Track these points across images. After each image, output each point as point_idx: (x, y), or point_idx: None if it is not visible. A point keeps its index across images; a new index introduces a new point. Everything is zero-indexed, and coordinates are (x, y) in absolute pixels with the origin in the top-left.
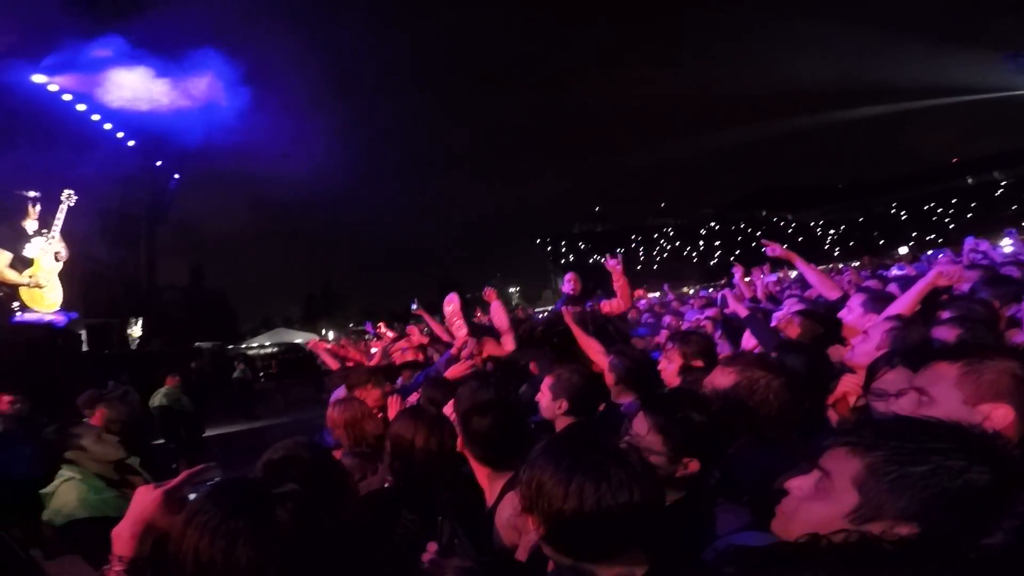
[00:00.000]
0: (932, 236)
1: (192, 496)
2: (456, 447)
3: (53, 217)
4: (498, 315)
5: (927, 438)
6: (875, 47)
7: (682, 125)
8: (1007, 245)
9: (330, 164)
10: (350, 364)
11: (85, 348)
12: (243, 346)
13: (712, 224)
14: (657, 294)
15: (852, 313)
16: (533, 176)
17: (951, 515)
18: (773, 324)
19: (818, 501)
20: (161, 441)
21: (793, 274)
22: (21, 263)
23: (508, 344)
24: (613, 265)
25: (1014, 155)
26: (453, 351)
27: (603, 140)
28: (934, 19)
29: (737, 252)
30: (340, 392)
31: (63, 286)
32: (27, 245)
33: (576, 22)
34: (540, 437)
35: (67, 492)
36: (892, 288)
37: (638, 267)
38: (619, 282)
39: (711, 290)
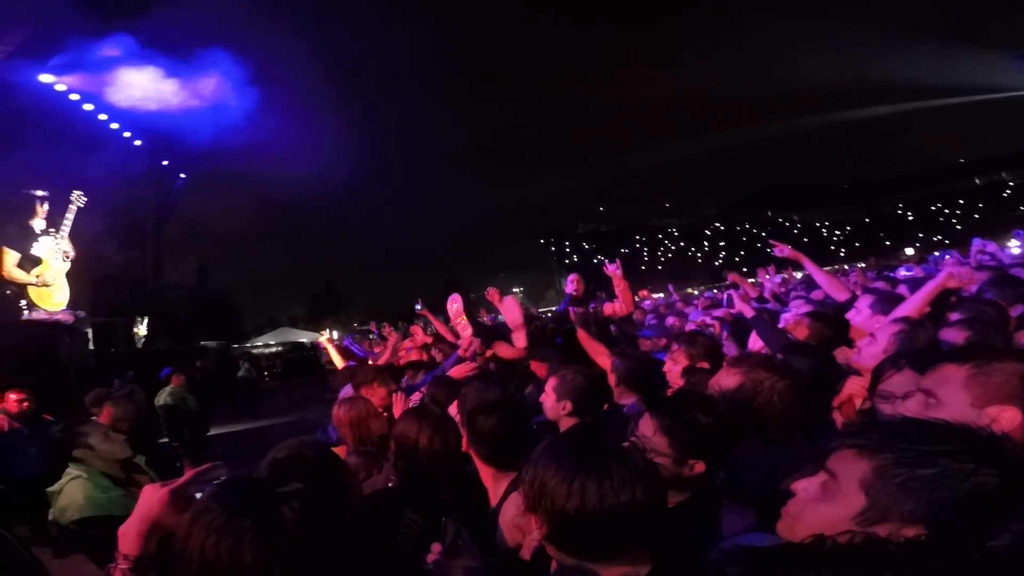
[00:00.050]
0: (939, 237)
1: (198, 495)
2: (460, 447)
3: (61, 216)
4: (512, 311)
5: (935, 440)
6: (881, 46)
7: (686, 125)
8: (1015, 246)
9: (335, 164)
10: (355, 363)
11: (91, 347)
12: (248, 345)
13: (716, 224)
14: (661, 295)
15: (860, 314)
16: (537, 176)
17: (959, 518)
18: (781, 326)
19: (824, 503)
20: (165, 440)
21: (798, 275)
22: (29, 262)
23: (520, 341)
24: (613, 271)
25: (1022, 155)
26: (460, 352)
27: (607, 140)
28: (941, 18)
29: (742, 253)
30: (347, 391)
31: (70, 285)
32: (35, 244)
33: (579, 21)
34: (543, 438)
35: (74, 491)
36: (901, 290)
37: (642, 267)
38: (620, 286)
39: (715, 291)
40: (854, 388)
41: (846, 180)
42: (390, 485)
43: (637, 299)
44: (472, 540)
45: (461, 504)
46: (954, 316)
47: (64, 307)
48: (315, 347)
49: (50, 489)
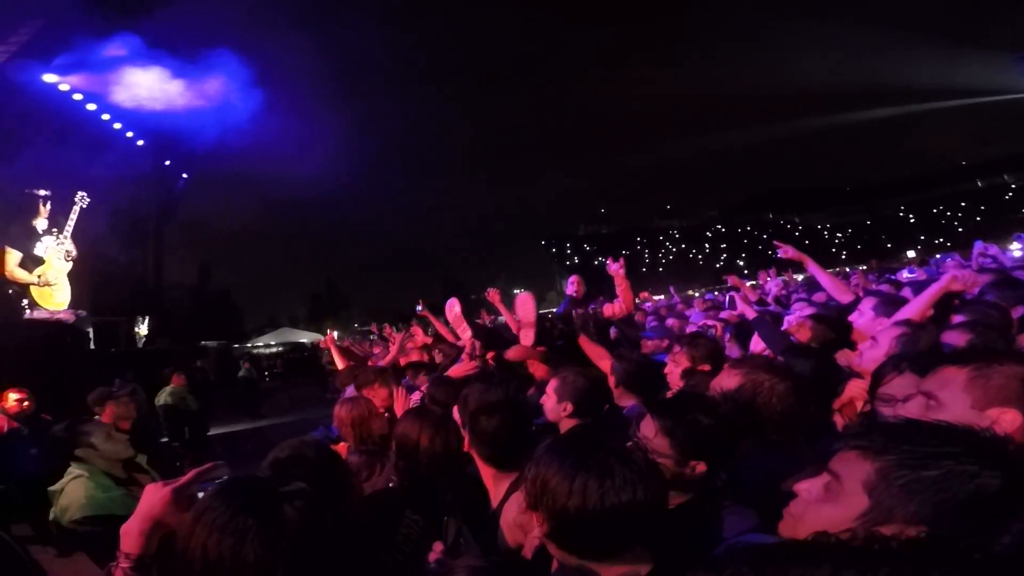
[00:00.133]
0: (940, 240)
1: (200, 494)
2: (461, 447)
3: (63, 216)
4: (526, 307)
5: (938, 442)
6: (883, 48)
7: (688, 126)
8: (1016, 249)
9: (336, 165)
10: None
11: (92, 346)
12: (248, 345)
13: (718, 226)
14: (662, 297)
15: (863, 317)
16: (538, 177)
17: (962, 519)
18: (784, 328)
19: (827, 504)
20: (165, 440)
21: (799, 277)
22: (31, 261)
23: (527, 339)
24: (615, 269)
25: None
26: (465, 356)
27: (608, 141)
28: (943, 20)
29: (743, 255)
30: (351, 391)
31: (71, 284)
32: (37, 244)
33: (582, 24)
34: (544, 439)
35: (75, 490)
36: (906, 293)
37: (643, 269)
38: (621, 285)
39: (716, 293)
40: (855, 390)
41: (848, 182)
42: (391, 485)
43: (638, 301)
44: (474, 540)
45: (462, 504)
46: (958, 319)
47: (66, 307)
48: (316, 347)
49: (51, 488)
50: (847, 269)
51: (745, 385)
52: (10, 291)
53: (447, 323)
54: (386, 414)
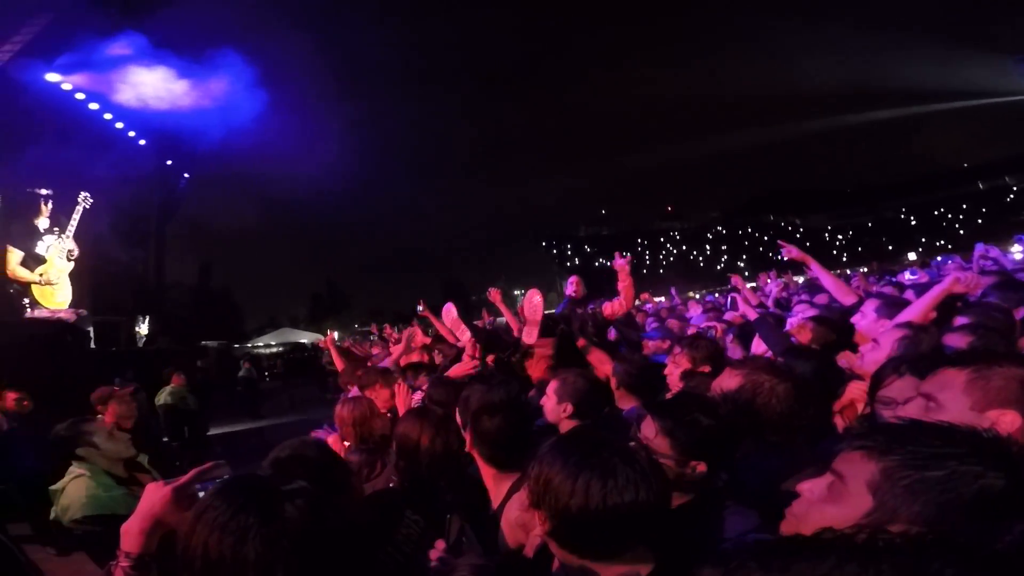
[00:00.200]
0: (941, 242)
1: (201, 493)
2: (461, 447)
3: (65, 215)
4: (533, 303)
5: (942, 443)
6: (885, 50)
7: (689, 128)
8: (1017, 251)
9: (337, 165)
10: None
11: (93, 345)
12: (249, 345)
13: (719, 228)
14: (663, 298)
15: (865, 319)
16: (539, 178)
17: (965, 520)
18: (785, 330)
19: (831, 504)
20: (165, 439)
21: (799, 279)
22: (33, 260)
23: (530, 337)
24: (621, 264)
25: None
26: (466, 356)
27: (610, 143)
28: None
29: (744, 257)
30: (354, 391)
31: (72, 284)
32: (39, 243)
33: (584, 24)
34: (544, 441)
35: (76, 489)
36: (908, 295)
37: (643, 271)
38: (624, 282)
39: (716, 295)
40: (855, 392)
41: (849, 184)
42: (391, 485)
43: (638, 302)
44: (476, 538)
45: (463, 504)
46: (960, 321)
47: (67, 306)
48: (316, 348)
49: (53, 488)
50: (848, 271)
51: (745, 386)
52: (11, 290)
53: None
54: (388, 414)
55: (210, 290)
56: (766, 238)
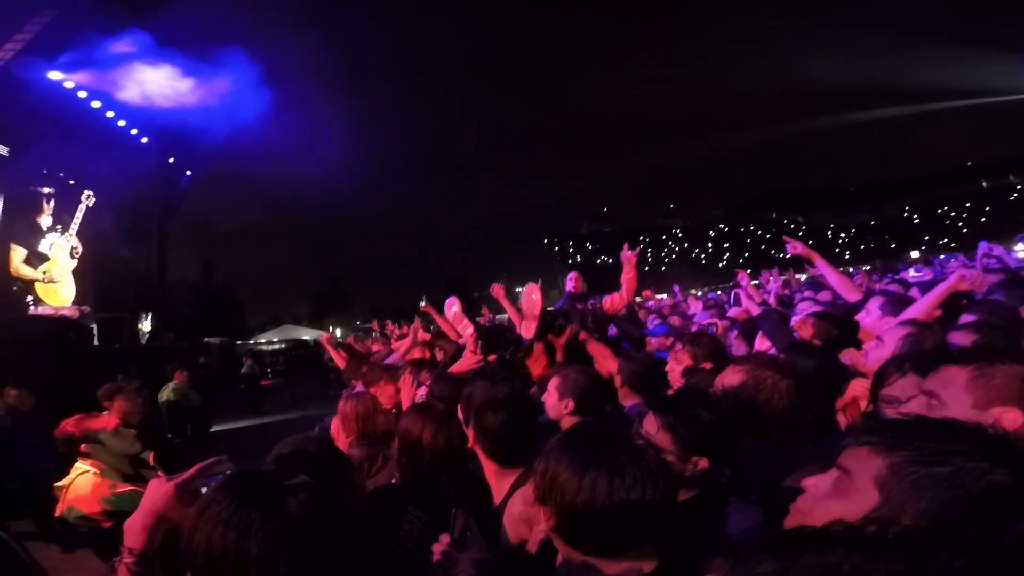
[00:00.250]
0: (944, 240)
1: (203, 489)
2: (463, 443)
3: (67, 213)
4: (530, 298)
5: (949, 439)
6: (888, 49)
7: (692, 126)
8: (1021, 250)
9: (340, 163)
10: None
11: (96, 342)
12: (251, 342)
13: (721, 226)
14: (665, 296)
15: (870, 316)
16: (542, 176)
17: (972, 516)
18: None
19: (836, 500)
20: (167, 436)
21: (802, 277)
22: (36, 258)
23: (529, 332)
24: (628, 256)
25: None
26: (468, 352)
27: (612, 141)
28: (949, 21)
29: (746, 254)
30: (359, 388)
31: (76, 281)
32: (42, 241)
33: (587, 23)
34: (546, 437)
35: (82, 486)
36: (914, 293)
37: (646, 268)
38: (628, 274)
39: (719, 292)
40: (858, 390)
41: (852, 182)
42: (393, 481)
43: (640, 299)
44: (480, 533)
45: (465, 500)
46: (966, 318)
47: (70, 303)
48: (318, 344)
49: (58, 484)
50: (851, 269)
51: (747, 382)
52: (14, 287)
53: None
54: (393, 410)
55: (213, 287)
56: (768, 236)
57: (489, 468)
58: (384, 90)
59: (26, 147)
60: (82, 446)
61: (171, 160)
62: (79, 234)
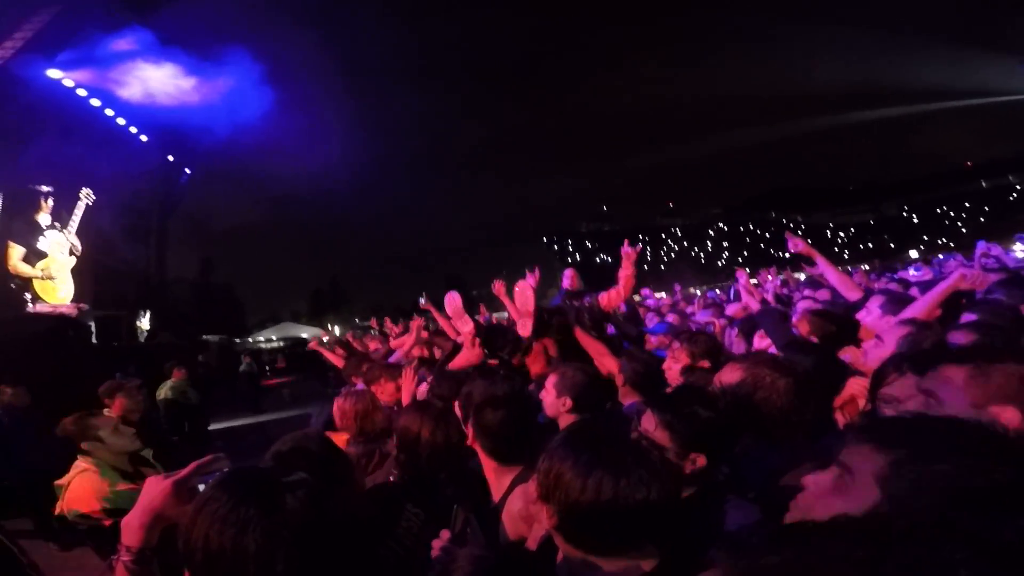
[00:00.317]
0: (943, 240)
1: (201, 486)
2: (462, 441)
3: (66, 211)
4: (524, 296)
5: (950, 436)
6: (889, 49)
7: (691, 125)
8: (1019, 250)
9: (339, 162)
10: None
11: (94, 340)
12: (250, 340)
13: (720, 225)
14: (663, 294)
15: (870, 315)
16: (541, 175)
17: (972, 513)
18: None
19: (837, 497)
20: (166, 434)
21: (800, 276)
22: (35, 256)
23: (525, 329)
24: (628, 252)
25: None
26: (466, 345)
27: (612, 140)
28: (949, 21)
29: (745, 253)
30: (359, 385)
31: (74, 279)
32: (40, 239)
33: (586, 23)
34: (547, 435)
35: (81, 484)
36: (914, 292)
37: (645, 267)
38: (627, 270)
39: (718, 291)
40: (856, 388)
41: (851, 182)
42: (391, 479)
43: (638, 297)
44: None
45: (464, 497)
46: (967, 318)
47: (68, 301)
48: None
49: (58, 482)
50: (849, 268)
51: (746, 380)
52: (12, 285)
53: (449, 317)
54: (395, 407)
55: (212, 285)
56: (768, 235)
57: (488, 466)
58: (384, 89)
59: (25, 145)
60: (82, 444)
61: (170, 158)
62: (78, 232)
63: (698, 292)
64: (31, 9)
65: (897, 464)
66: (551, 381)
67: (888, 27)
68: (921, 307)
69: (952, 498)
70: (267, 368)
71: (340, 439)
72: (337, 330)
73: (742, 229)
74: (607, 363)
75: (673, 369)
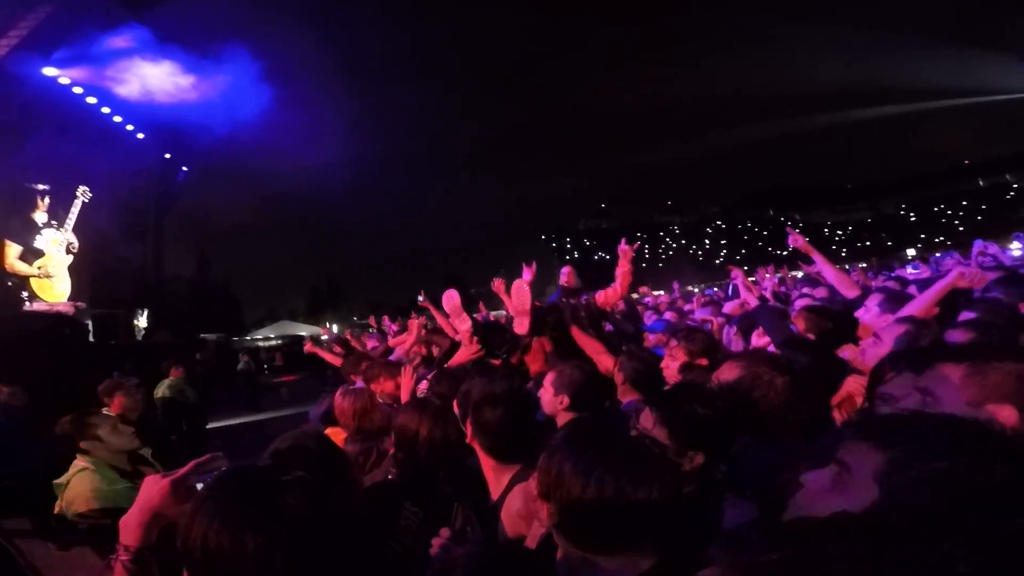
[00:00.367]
0: (940, 238)
1: (199, 485)
2: (460, 439)
3: (63, 209)
4: (520, 295)
5: (949, 434)
6: (887, 47)
7: (690, 123)
8: (1016, 248)
9: (337, 159)
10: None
11: (92, 339)
12: (248, 338)
13: (718, 223)
14: (662, 292)
15: (869, 312)
16: (539, 173)
17: (971, 511)
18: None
19: (836, 494)
20: (164, 433)
21: (798, 275)
22: (31, 254)
23: (522, 327)
24: (625, 249)
25: None
26: (464, 341)
27: (610, 137)
28: (948, 20)
29: (743, 251)
30: (360, 384)
31: (72, 277)
32: (37, 237)
33: (585, 22)
34: (546, 433)
35: (80, 483)
36: (912, 290)
37: (643, 264)
38: (623, 268)
39: (715, 289)
40: (853, 387)
41: (849, 180)
42: (390, 478)
43: (637, 295)
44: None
45: (462, 495)
46: (965, 315)
47: (65, 299)
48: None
49: (57, 481)
50: (847, 267)
51: (744, 378)
52: (9, 283)
53: (447, 315)
54: (395, 405)
55: (209, 283)
56: (766, 233)
57: (487, 464)
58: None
59: (21, 143)
60: (80, 443)
61: (167, 156)
62: (75, 230)
63: (696, 290)
64: (27, 6)
65: (895, 462)
66: (549, 379)
67: (887, 26)
68: (919, 305)
69: (950, 496)
70: (265, 367)
71: (338, 437)
72: (335, 328)
73: (740, 227)
74: (604, 361)
75: (671, 367)
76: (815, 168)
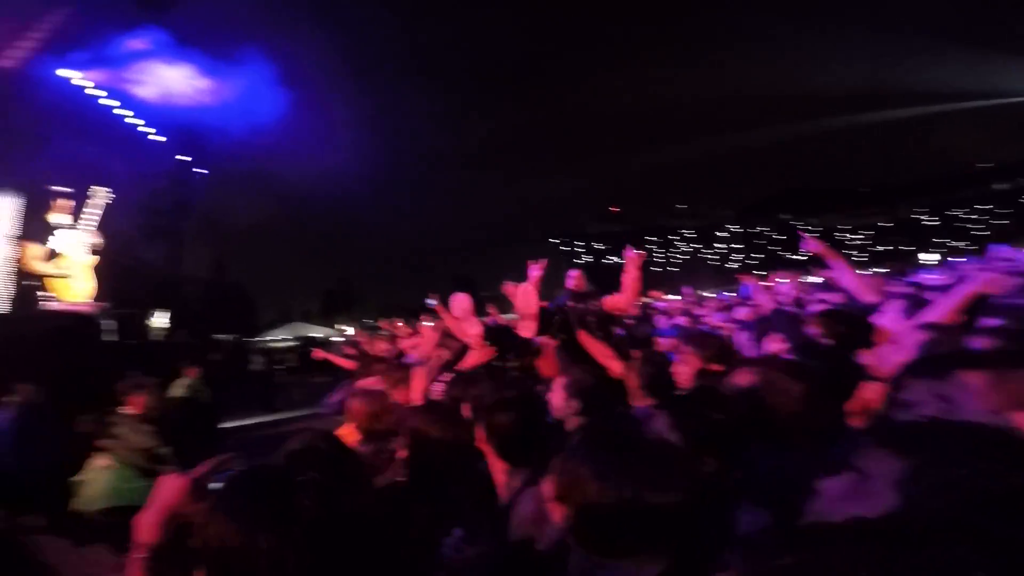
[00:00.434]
0: (958, 243)
1: (216, 484)
2: (471, 441)
3: (82, 211)
4: (527, 298)
5: (969, 441)
6: (904, 50)
7: (703, 125)
8: None
9: (351, 163)
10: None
11: (108, 339)
12: (261, 339)
13: (732, 227)
14: (675, 297)
15: (888, 318)
16: (550, 175)
17: (990, 518)
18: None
19: (852, 501)
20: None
21: (814, 279)
22: (51, 255)
23: (527, 331)
24: (632, 256)
25: None
26: (476, 344)
27: (621, 139)
28: (966, 22)
29: (756, 256)
30: (370, 382)
31: (93, 278)
32: (57, 238)
33: (596, 22)
34: (558, 436)
35: (98, 481)
36: (931, 296)
37: (651, 267)
38: (631, 274)
39: (732, 295)
40: (870, 393)
41: (866, 183)
42: (400, 479)
43: (649, 300)
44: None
45: (473, 498)
46: (988, 322)
47: (87, 299)
48: (328, 343)
49: (76, 478)
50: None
51: (759, 384)
52: (29, 283)
53: (456, 319)
54: (406, 407)
55: (224, 284)
56: (780, 237)
57: (498, 467)
58: (395, 91)
59: (41, 145)
60: (100, 441)
61: (186, 158)
62: (97, 232)
63: (709, 295)
64: (46, 9)
65: (914, 468)
66: (560, 383)
67: (904, 28)
68: (940, 311)
69: (969, 501)
70: (281, 367)
71: (351, 437)
72: (348, 330)
73: (754, 231)
74: (613, 366)
75: (683, 372)
76: (831, 171)
